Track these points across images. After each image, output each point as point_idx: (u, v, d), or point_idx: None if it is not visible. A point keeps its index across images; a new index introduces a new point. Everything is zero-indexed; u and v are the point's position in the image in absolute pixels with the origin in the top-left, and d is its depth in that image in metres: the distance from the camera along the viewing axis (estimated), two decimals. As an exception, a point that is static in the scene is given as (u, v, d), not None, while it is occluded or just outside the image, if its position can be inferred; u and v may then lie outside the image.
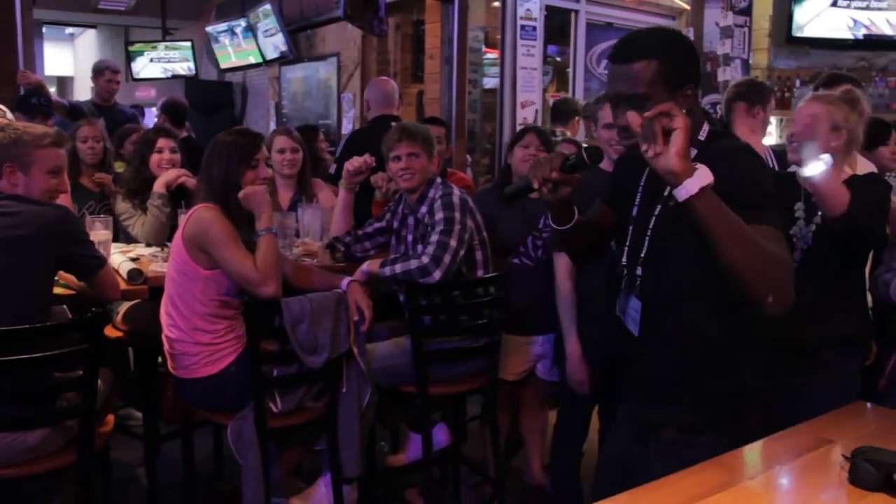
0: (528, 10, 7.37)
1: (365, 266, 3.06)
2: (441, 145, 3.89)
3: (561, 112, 5.75)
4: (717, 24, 6.72)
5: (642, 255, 1.89)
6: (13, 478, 2.45)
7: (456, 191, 3.15)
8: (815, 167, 2.35)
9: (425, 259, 2.94)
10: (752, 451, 1.91)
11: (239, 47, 9.19)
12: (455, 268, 3.00)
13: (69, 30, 12.59)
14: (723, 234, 1.60)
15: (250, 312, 2.72)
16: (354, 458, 2.93)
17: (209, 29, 9.44)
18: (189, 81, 9.59)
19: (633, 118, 1.62)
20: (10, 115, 3.65)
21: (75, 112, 5.49)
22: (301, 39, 9.03)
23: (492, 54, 8.16)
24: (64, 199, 2.94)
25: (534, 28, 7.43)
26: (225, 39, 9.31)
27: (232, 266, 2.69)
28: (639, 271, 1.90)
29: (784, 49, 7.63)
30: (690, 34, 7.66)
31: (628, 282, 1.94)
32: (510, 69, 7.31)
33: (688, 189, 1.58)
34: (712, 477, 1.69)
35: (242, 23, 8.93)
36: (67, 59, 13.05)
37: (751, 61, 7.08)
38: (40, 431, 2.47)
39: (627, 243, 1.96)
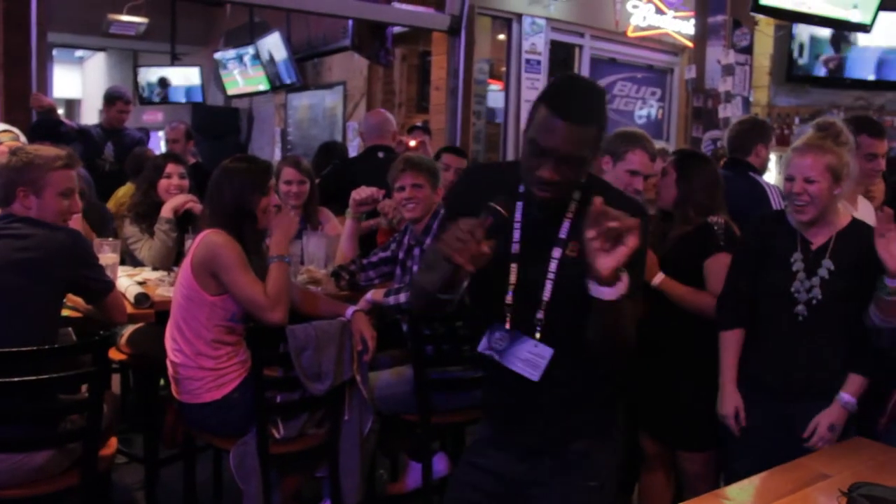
0: (534, 44, 7.49)
1: (369, 295, 3.10)
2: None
3: None
4: (718, 62, 6.81)
5: (545, 298, 1.86)
6: (17, 498, 2.48)
7: (461, 222, 3.18)
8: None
9: (429, 289, 2.97)
10: (749, 485, 1.93)
11: (247, 74, 9.29)
12: (459, 298, 3.03)
13: (78, 52, 12.70)
14: (607, 325, 1.75)
15: (255, 339, 2.75)
16: (355, 486, 2.95)
17: (217, 55, 9.56)
18: (195, 106, 9.69)
19: (596, 202, 1.61)
20: (23, 138, 3.69)
21: (84, 135, 5.55)
22: (308, 67, 9.14)
23: (495, 86, 8.27)
24: (75, 221, 2.98)
25: (538, 62, 7.53)
26: (233, 66, 9.42)
27: (241, 290, 2.73)
28: (539, 315, 1.87)
29: (784, 87, 7.72)
30: (692, 71, 7.77)
31: (518, 323, 1.89)
32: (514, 101, 7.40)
33: (604, 294, 1.67)
34: (709, 511, 1.71)
35: (251, 50, 9.04)
36: (76, 81, 13.16)
37: (751, 98, 7.16)
38: (45, 453, 2.49)
39: (512, 282, 1.89)
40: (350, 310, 2.95)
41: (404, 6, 6.94)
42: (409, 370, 3.05)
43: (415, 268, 3.26)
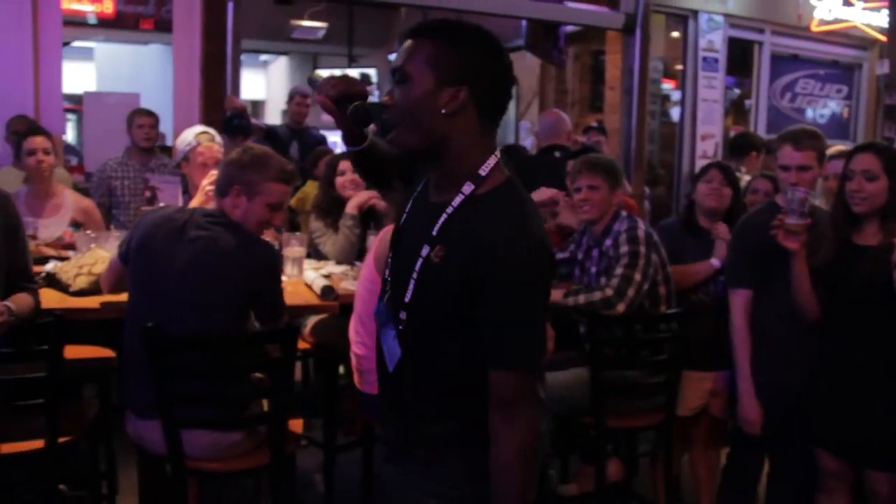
0: (711, 41, 7.26)
1: (548, 295, 3.09)
2: None
3: (738, 146, 5.59)
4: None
5: (406, 299, 1.60)
6: (217, 472, 2.67)
7: (641, 224, 3.15)
8: None
9: (609, 291, 2.96)
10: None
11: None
12: (638, 302, 3.00)
13: (263, 57, 13.39)
14: None
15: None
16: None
17: (392, 57, 9.80)
18: (372, 106, 9.97)
19: None
20: (218, 138, 3.91)
21: (271, 134, 5.88)
22: (480, 68, 9.24)
23: (668, 84, 8.08)
24: (269, 233, 3.09)
25: (716, 60, 7.30)
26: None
27: None
28: (402, 315, 1.62)
29: None
30: (885, 66, 7.30)
31: (391, 307, 1.66)
32: (690, 101, 7.20)
33: None
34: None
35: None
36: (261, 84, 13.88)
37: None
38: (238, 433, 2.64)
39: (389, 259, 1.71)
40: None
41: (579, 5, 6.89)
42: (586, 372, 3.03)
43: (593, 269, 3.24)
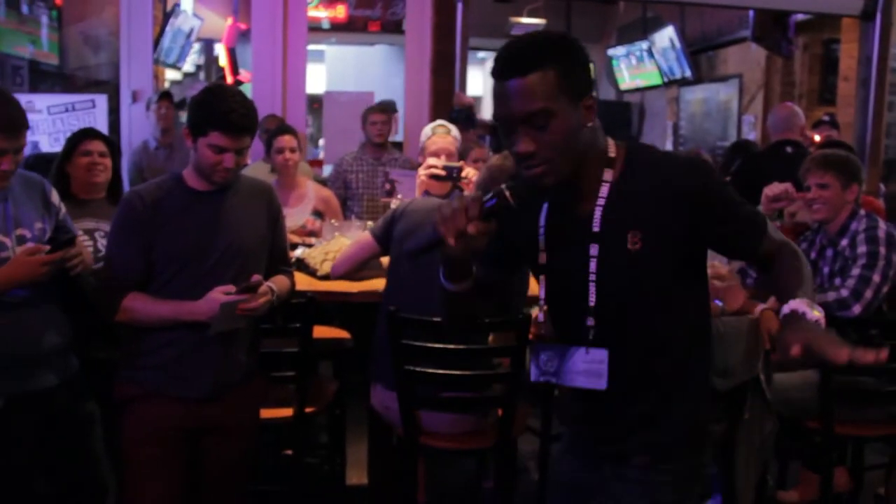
0: (965, 24, 6.66)
1: (777, 294, 3.04)
2: None
3: None
4: None
5: (591, 304, 1.63)
6: (446, 450, 2.84)
7: (882, 224, 3.02)
8: None
9: (844, 292, 2.87)
10: None
11: (639, 69, 9.39)
12: (876, 305, 2.89)
13: (481, 54, 13.70)
14: None
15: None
16: (748, 487, 2.92)
17: (610, 52, 9.77)
18: (587, 101, 10.01)
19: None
20: (455, 131, 4.06)
21: (496, 130, 6.06)
22: (701, 60, 9.01)
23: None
24: None
25: (970, 46, 6.70)
26: (625, 62, 9.58)
27: None
28: (589, 321, 1.64)
29: None
30: None
31: (571, 335, 1.67)
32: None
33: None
34: None
35: (643, 45, 9.12)
36: (478, 80, 14.21)
37: None
38: (473, 415, 2.81)
39: (542, 297, 1.69)
40: (759, 307, 2.92)
41: (812, -8, 6.57)
42: (815, 374, 2.94)
43: (826, 269, 3.14)
